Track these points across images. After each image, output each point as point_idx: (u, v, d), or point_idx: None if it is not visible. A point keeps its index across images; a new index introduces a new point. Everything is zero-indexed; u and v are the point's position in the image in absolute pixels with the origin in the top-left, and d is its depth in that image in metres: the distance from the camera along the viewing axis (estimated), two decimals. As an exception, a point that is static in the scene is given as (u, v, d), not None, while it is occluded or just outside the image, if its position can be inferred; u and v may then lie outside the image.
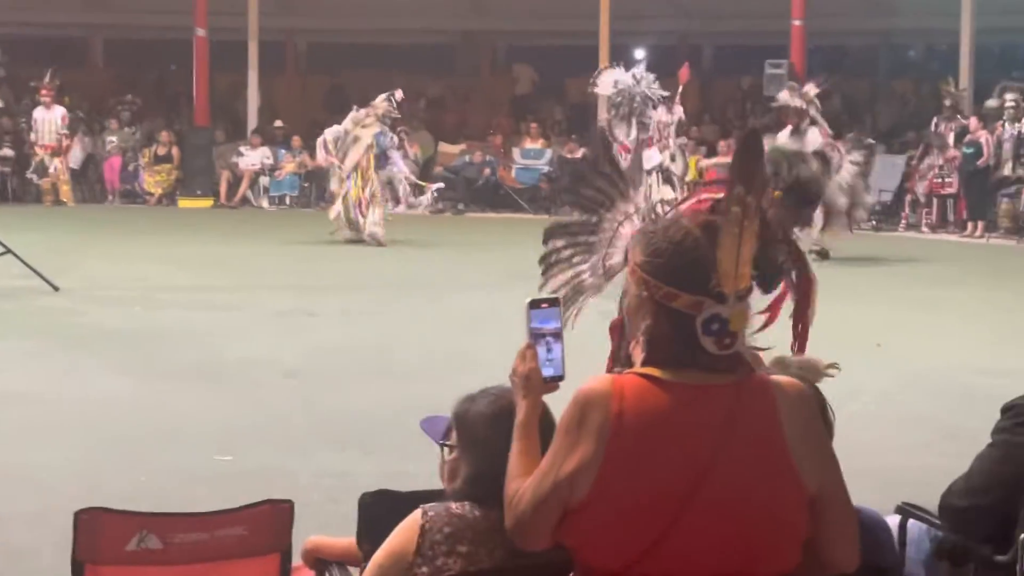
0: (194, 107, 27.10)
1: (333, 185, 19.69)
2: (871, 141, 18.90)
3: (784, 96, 17.71)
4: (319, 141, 19.82)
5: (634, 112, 14.71)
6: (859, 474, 6.54)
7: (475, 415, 3.40)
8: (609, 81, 14.96)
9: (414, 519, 3.33)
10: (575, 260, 5.20)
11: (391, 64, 34.83)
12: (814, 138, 16.85)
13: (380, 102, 19.69)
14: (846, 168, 17.33)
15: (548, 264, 5.19)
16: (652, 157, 14.74)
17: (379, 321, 12.77)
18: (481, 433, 3.36)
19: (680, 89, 14.88)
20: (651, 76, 14.91)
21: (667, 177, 14.56)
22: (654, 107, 14.73)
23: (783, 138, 15.81)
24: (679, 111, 14.86)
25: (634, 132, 14.78)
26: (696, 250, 2.89)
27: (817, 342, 6.52)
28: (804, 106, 17.27)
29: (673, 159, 14.59)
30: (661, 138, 14.73)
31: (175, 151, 26.58)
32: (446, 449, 3.50)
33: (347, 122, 19.61)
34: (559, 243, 5.38)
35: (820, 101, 17.53)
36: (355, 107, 19.92)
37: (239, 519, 3.85)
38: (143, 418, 8.75)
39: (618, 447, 2.83)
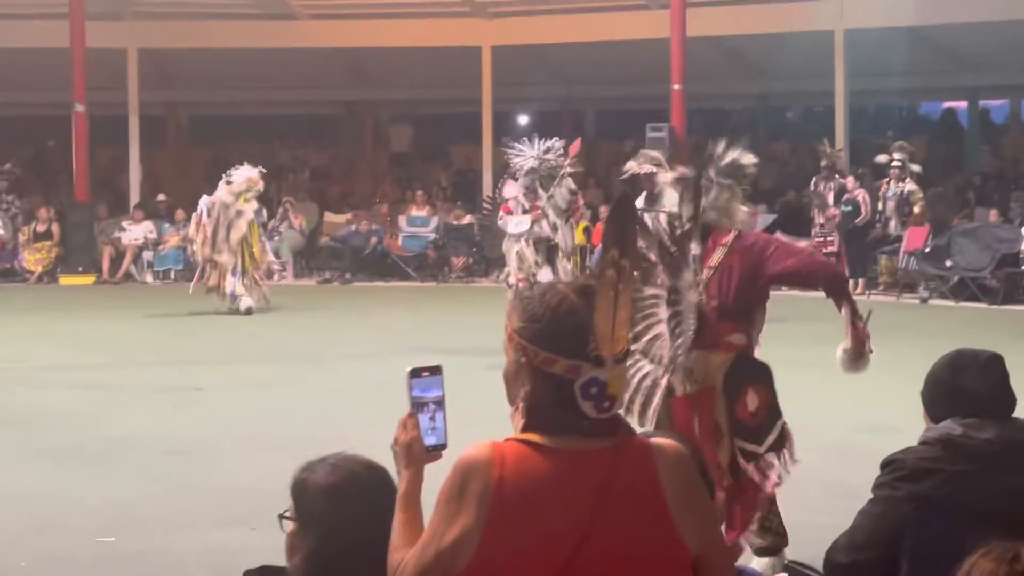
0: (74, 183, 26.78)
1: (224, 259, 19.42)
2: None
3: (631, 165, 17.93)
4: (196, 216, 19.58)
5: (522, 174, 14.65)
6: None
7: (312, 486, 3.31)
8: (515, 157, 14.94)
9: None
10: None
11: (274, 135, 34.82)
12: (671, 200, 17.05)
13: (255, 177, 19.58)
14: None
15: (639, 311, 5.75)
16: (521, 223, 14.61)
17: (265, 394, 12.67)
18: (318, 505, 3.27)
19: (567, 164, 14.82)
20: (553, 147, 14.79)
21: (548, 255, 14.31)
22: (547, 179, 14.64)
23: (639, 203, 15.98)
24: (567, 183, 14.78)
25: (520, 193, 14.66)
26: (573, 315, 2.89)
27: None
28: (653, 169, 17.47)
29: (555, 229, 14.41)
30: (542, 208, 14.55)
31: (55, 228, 26.21)
32: (286, 522, 3.42)
33: (224, 195, 19.44)
34: (650, 291, 6.04)
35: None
36: (226, 179, 19.71)
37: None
38: (22, 501, 8.58)
39: (499, 514, 2.82)
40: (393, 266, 25.75)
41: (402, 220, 26.74)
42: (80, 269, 25.72)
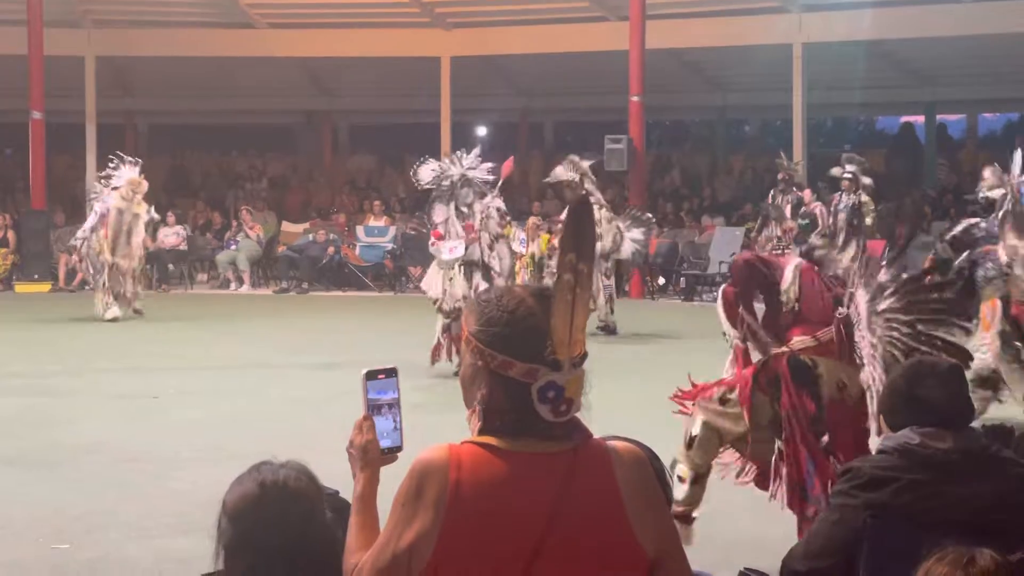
0: (31, 190, 26.63)
1: (126, 264, 19.52)
2: (649, 216, 19.36)
3: (558, 171, 17.94)
4: (97, 220, 19.68)
5: (451, 194, 14.24)
6: (701, 541, 6.63)
7: (226, 497, 3.34)
8: (428, 171, 14.56)
9: None
10: None
11: (232, 145, 34.74)
12: None
13: (136, 178, 19.61)
14: (626, 244, 17.78)
15: None
16: (456, 248, 14.01)
17: (221, 402, 12.62)
18: (225, 515, 3.31)
19: (500, 183, 14.66)
20: (475, 159, 14.47)
21: (486, 273, 14.07)
22: (479, 195, 14.30)
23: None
24: (498, 203, 14.54)
25: (451, 215, 14.24)
26: (530, 318, 2.88)
27: (661, 411, 6.59)
28: (577, 179, 17.51)
29: (491, 248, 14.20)
30: (477, 228, 14.18)
31: (11, 235, 26.06)
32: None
33: (117, 200, 19.49)
34: None
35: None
36: (104, 182, 19.83)
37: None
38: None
39: (456, 517, 2.82)
40: (351, 276, 25.70)
41: (360, 230, 26.69)
42: (36, 276, 25.58)
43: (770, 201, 23.20)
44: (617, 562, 2.87)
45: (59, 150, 28.88)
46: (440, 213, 14.40)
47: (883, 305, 6.12)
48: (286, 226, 28.00)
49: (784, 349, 6.55)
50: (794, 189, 22.94)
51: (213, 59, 28.84)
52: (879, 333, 6.09)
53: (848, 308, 6.28)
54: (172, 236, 25.55)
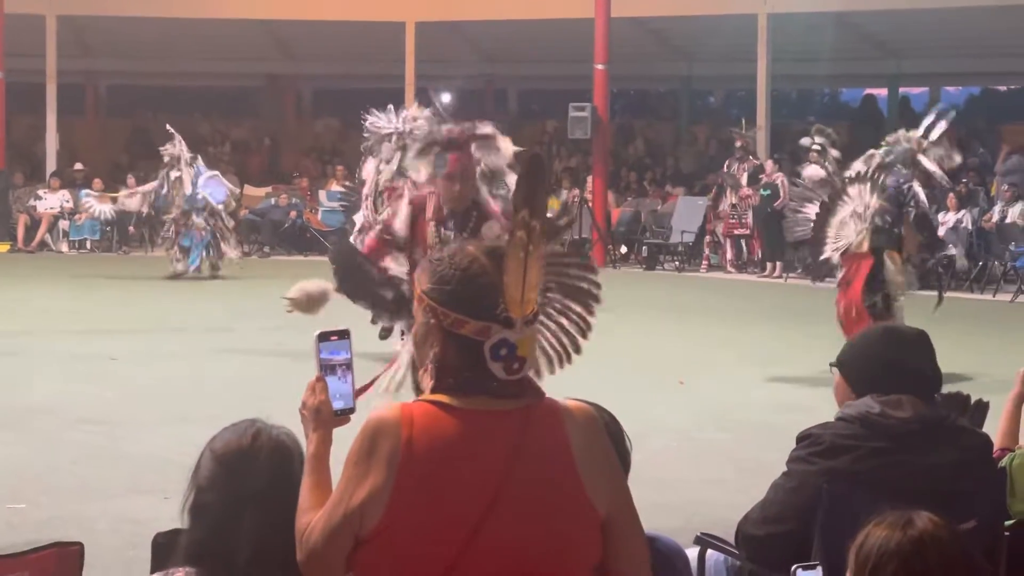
0: (-11, 150, 26.44)
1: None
2: (564, 189, 19.34)
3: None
4: None
5: (379, 150, 13.09)
6: (660, 507, 6.65)
7: (205, 450, 3.30)
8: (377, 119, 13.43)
9: None
10: None
11: (194, 107, 34.50)
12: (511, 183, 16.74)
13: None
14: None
15: None
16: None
17: (179, 364, 12.57)
18: (202, 465, 3.28)
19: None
20: (420, 112, 13.09)
21: None
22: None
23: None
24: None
25: (374, 176, 13.00)
26: (482, 276, 2.88)
27: (620, 379, 6.59)
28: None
29: None
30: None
31: (-30, 195, 25.92)
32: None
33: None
34: None
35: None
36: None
37: (24, 563, 3.70)
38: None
39: (408, 475, 2.81)
40: (312, 240, 25.64)
41: (322, 195, 26.61)
42: (-6, 237, 25.44)
43: (725, 169, 23.25)
44: (569, 519, 2.87)
45: (19, 110, 28.65)
46: (367, 170, 13.39)
47: None
48: (248, 190, 27.87)
49: None
50: (750, 157, 22.99)
51: (175, 20, 28.60)
52: None
53: None
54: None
